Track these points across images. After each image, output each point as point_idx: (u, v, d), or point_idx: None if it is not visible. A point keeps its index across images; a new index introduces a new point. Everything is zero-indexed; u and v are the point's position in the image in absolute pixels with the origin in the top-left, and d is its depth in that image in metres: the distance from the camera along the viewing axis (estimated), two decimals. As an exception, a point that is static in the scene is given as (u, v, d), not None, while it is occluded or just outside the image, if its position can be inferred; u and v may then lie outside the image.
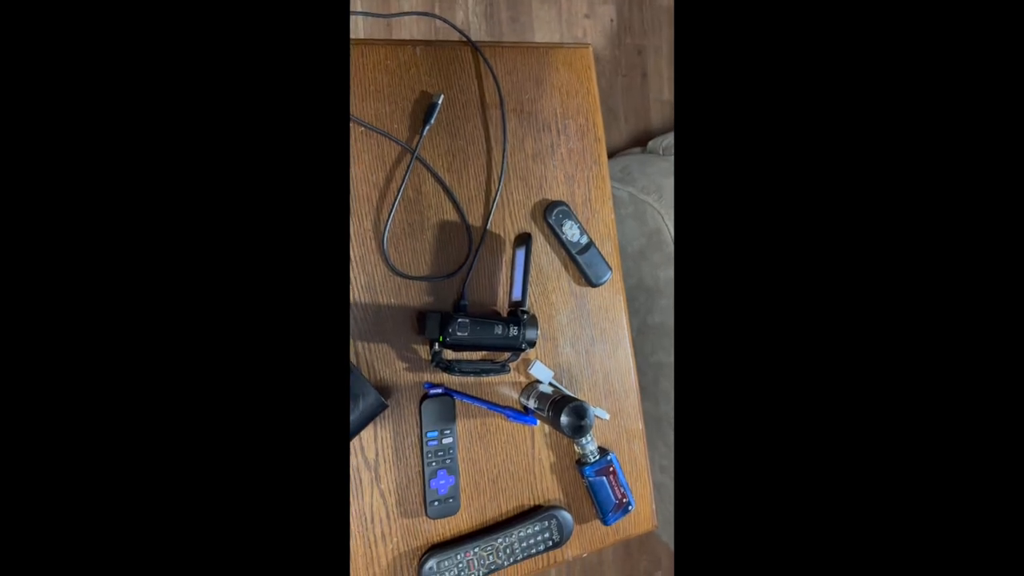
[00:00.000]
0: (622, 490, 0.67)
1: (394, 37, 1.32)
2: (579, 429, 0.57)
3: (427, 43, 0.64)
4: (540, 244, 0.68)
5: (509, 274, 0.66)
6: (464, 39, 0.65)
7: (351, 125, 0.61)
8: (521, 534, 0.64)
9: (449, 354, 0.63)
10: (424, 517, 0.62)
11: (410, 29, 1.34)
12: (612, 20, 1.55)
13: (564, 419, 0.57)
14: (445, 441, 0.62)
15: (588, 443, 0.66)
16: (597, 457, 0.67)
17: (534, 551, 0.65)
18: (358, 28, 1.25)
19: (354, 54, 0.61)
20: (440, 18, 0.67)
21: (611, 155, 1.38)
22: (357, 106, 0.61)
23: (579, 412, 0.57)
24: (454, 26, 0.68)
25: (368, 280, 0.61)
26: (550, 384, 0.67)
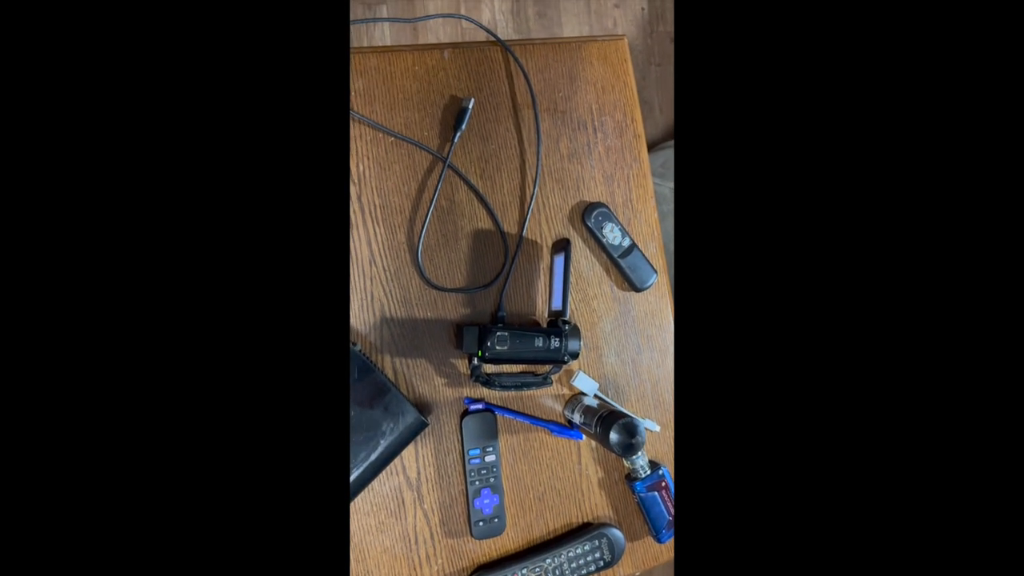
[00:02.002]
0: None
1: (421, 42, 1.31)
2: (629, 448, 0.54)
3: (455, 46, 0.62)
4: (579, 249, 0.65)
5: (548, 282, 0.63)
6: (493, 39, 0.62)
7: (382, 135, 0.59)
8: (570, 554, 0.61)
9: (489, 368, 0.61)
10: (469, 537, 0.60)
11: (437, 33, 1.33)
12: (643, 8, 1.49)
13: (614, 437, 0.53)
14: (488, 459, 0.60)
15: (639, 458, 0.62)
16: (648, 472, 0.63)
17: (584, 571, 0.62)
18: (385, 35, 1.25)
19: (380, 62, 0.59)
20: (466, 18, 0.65)
21: (649, 149, 1.33)
22: (386, 115, 0.59)
23: (629, 430, 0.54)
24: (481, 25, 0.65)
25: (403, 294, 0.60)
26: (595, 396, 0.64)
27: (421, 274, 0.60)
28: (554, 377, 0.61)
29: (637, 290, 0.65)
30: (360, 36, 1.26)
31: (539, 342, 0.56)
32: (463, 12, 1.37)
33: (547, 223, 0.64)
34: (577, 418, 0.61)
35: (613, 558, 0.62)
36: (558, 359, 0.57)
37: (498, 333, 0.55)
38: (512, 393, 0.62)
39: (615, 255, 0.64)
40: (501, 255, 0.62)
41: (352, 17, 1.21)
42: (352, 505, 0.57)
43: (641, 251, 0.65)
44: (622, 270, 0.64)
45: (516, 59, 0.62)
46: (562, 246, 0.60)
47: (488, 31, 0.64)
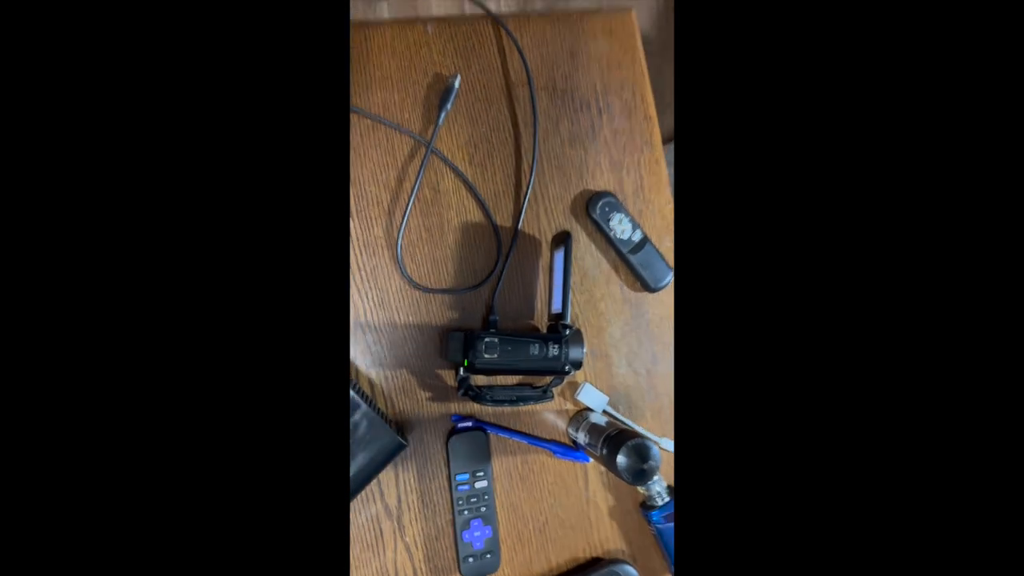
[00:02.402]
0: (699, 541, 0.55)
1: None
2: (641, 474, 0.45)
3: (440, 19, 0.56)
4: (583, 244, 0.57)
5: (547, 282, 0.56)
6: (483, 11, 0.56)
7: (356, 117, 0.53)
8: (576, 595, 0.53)
9: (480, 380, 0.53)
10: (457, 575, 0.53)
11: (439, 13, 1.29)
12: (659, -2, 1.42)
13: (622, 461, 0.45)
14: (478, 485, 0.52)
15: (654, 483, 0.54)
16: (666, 499, 0.55)
17: (593, 616, 0.53)
18: (383, 11, 1.21)
19: (356, 37, 0.54)
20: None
21: (665, 142, 1.25)
22: (361, 96, 0.53)
23: (640, 452, 0.45)
24: (481, 5, 0.59)
25: (381, 296, 0.53)
26: (604, 412, 0.56)
27: (402, 273, 0.53)
28: (556, 390, 0.54)
29: (651, 290, 0.57)
30: (364, 14, 1.23)
31: (535, 350, 0.49)
32: (467, 10, 1.32)
33: (546, 215, 0.57)
34: (582, 438, 0.53)
35: (626, 599, 0.54)
36: (557, 369, 0.49)
37: (486, 339, 0.48)
38: (507, 409, 0.55)
39: (624, 251, 0.56)
40: (493, 252, 0.55)
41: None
42: (324, 537, 0.50)
43: (654, 246, 0.57)
44: (633, 268, 0.57)
45: (508, 31, 0.56)
46: (562, 240, 0.53)
47: (482, 5, 0.57)
